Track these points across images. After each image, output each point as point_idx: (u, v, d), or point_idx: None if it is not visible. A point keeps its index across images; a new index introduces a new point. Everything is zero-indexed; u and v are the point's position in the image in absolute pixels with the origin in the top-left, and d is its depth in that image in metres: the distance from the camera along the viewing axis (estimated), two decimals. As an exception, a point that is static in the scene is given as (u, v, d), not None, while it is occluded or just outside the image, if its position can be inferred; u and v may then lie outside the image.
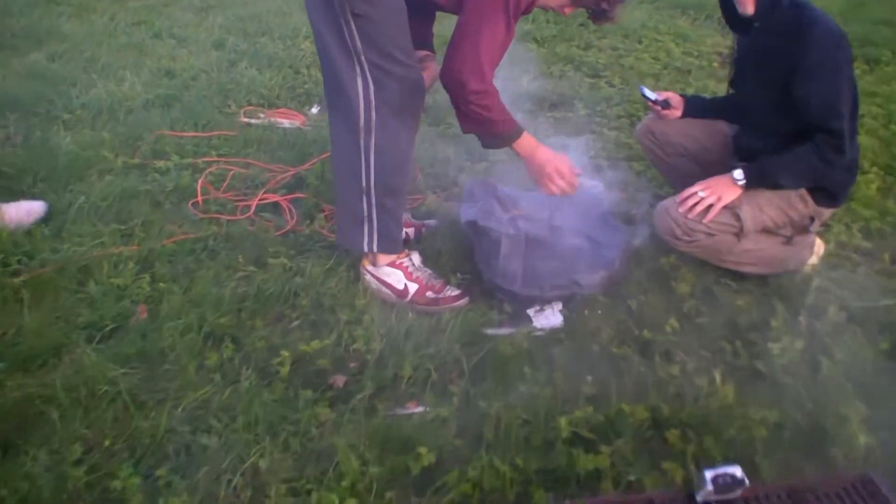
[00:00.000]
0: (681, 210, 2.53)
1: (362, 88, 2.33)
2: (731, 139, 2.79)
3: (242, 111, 4.25)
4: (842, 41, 2.37)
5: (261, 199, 3.28)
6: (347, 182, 2.50)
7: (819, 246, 2.76)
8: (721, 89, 4.48)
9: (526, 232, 2.71)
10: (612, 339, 2.45)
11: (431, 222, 3.07)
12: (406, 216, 2.99)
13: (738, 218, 2.54)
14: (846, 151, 2.39)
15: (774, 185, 2.51)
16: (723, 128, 2.85)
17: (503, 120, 2.40)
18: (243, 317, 2.52)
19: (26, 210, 3.05)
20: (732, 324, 2.53)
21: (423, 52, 2.60)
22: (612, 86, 4.69)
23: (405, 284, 2.62)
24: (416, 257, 2.68)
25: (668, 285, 2.71)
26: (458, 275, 2.77)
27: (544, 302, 2.60)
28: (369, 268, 2.65)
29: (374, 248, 2.58)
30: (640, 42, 5.43)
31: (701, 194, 2.53)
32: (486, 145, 2.53)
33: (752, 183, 2.51)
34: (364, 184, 2.47)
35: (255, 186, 3.41)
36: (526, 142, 2.49)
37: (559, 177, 2.53)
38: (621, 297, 2.64)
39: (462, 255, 2.85)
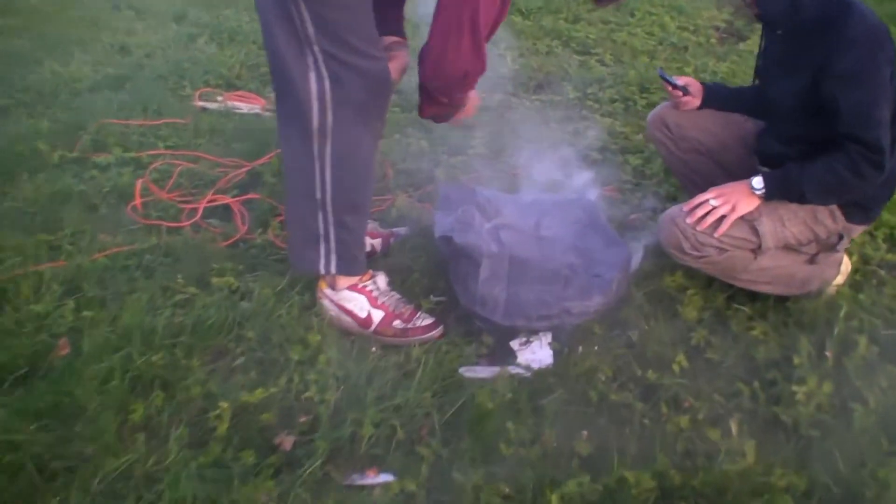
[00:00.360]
0: (689, 221, 2.17)
1: (315, 85, 1.95)
2: (756, 142, 2.42)
3: (198, 94, 3.85)
4: (881, 36, 2.01)
5: (209, 202, 2.89)
6: (300, 195, 2.12)
7: (846, 265, 2.41)
8: (722, 69, 4.11)
9: (510, 248, 2.35)
10: (611, 382, 2.10)
11: (401, 230, 2.70)
12: (371, 225, 2.62)
13: (756, 233, 2.18)
14: (884, 166, 2.03)
15: (798, 199, 2.15)
16: (746, 124, 2.48)
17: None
18: (178, 354, 2.14)
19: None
20: (748, 359, 2.18)
21: (392, 39, 2.20)
22: (603, 64, 4.30)
23: (368, 312, 2.25)
24: (381, 279, 2.31)
25: (673, 309, 2.35)
26: (432, 297, 2.40)
27: (531, 333, 2.24)
28: (327, 292, 2.28)
29: (332, 270, 2.21)
30: (632, 15, 5.03)
31: (713, 203, 2.17)
32: (436, 119, 2.28)
33: (773, 194, 2.15)
34: (319, 197, 2.09)
35: (205, 185, 3.02)
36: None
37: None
38: (620, 326, 2.29)
39: (437, 271, 2.48)
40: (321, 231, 2.15)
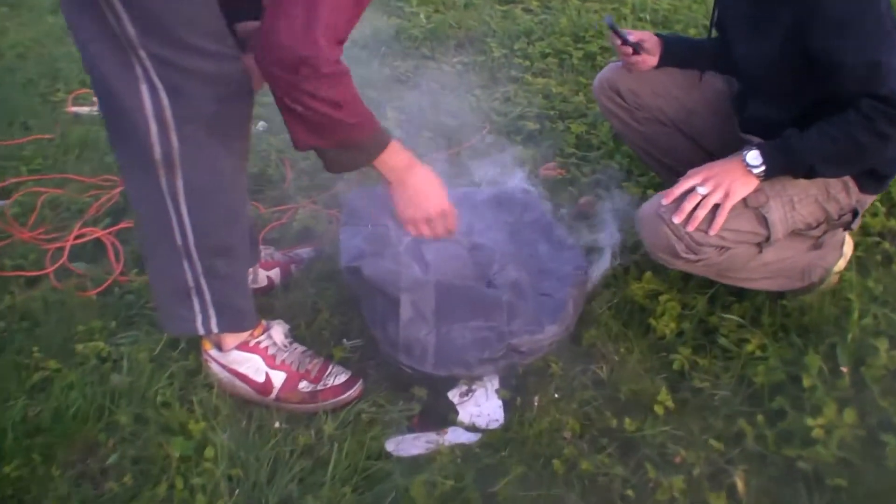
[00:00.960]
0: (676, 219, 1.69)
1: (149, 100, 1.42)
2: (733, 104, 1.95)
3: (71, 97, 3.24)
4: None
5: (76, 238, 2.33)
6: (157, 242, 1.61)
7: (848, 245, 1.97)
8: (663, 5, 3.62)
9: (436, 269, 1.87)
10: (579, 441, 1.64)
11: (304, 253, 2.20)
12: (266, 251, 2.11)
13: (764, 223, 1.71)
14: None
15: (806, 173, 1.68)
16: (716, 83, 2.02)
17: (360, 122, 1.53)
18: (35, 460, 1.63)
19: None
20: (746, 384, 1.75)
21: (255, 24, 1.64)
22: (530, 12, 3.78)
23: (266, 374, 1.76)
24: (278, 331, 1.81)
25: (645, 324, 1.90)
26: (346, 342, 1.92)
27: (472, 379, 1.77)
28: (213, 353, 1.78)
29: (213, 329, 1.70)
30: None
31: (701, 190, 1.68)
32: (331, 166, 1.63)
33: (774, 170, 1.68)
34: (180, 242, 1.58)
35: (73, 215, 2.46)
36: (395, 157, 1.66)
37: (438, 215, 1.74)
38: (583, 359, 1.83)
39: (351, 304, 1.98)
40: (190, 283, 1.63)
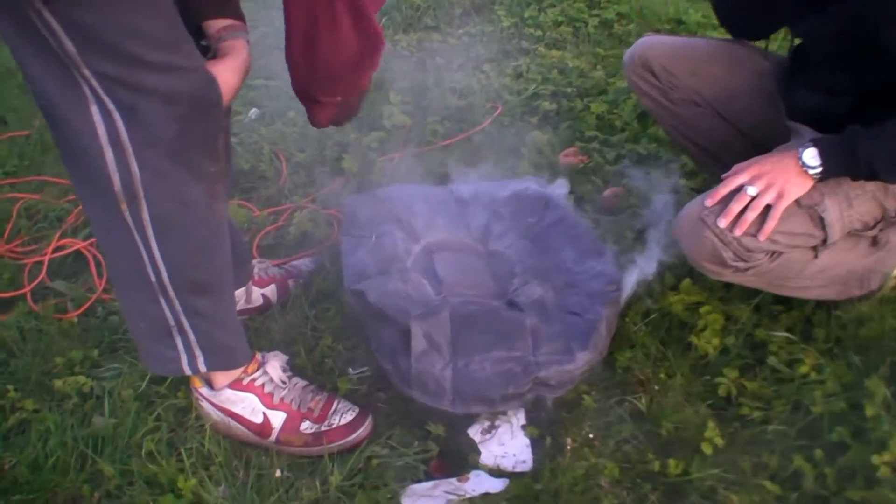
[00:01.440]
0: (721, 224, 1.49)
1: (102, 122, 1.20)
2: (780, 88, 1.72)
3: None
4: None
5: (54, 252, 2.14)
6: (128, 280, 1.42)
7: (906, 245, 1.76)
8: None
9: (448, 287, 1.69)
10: (620, 488, 1.46)
11: (303, 265, 2.00)
12: (259, 267, 1.91)
13: (821, 224, 1.51)
14: None
15: (867, 175, 1.47)
16: (761, 62, 1.79)
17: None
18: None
19: None
20: (801, 412, 1.56)
21: (221, 24, 1.41)
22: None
23: (264, 415, 1.58)
24: (274, 366, 1.62)
25: (684, 342, 1.71)
26: (351, 371, 1.73)
27: (495, 414, 1.59)
28: (203, 392, 1.60)
29: (201, 368, 1.51)
30: None
31: (750, 191, 1.48)
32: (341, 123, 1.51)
33: (833, 171, 1.47)
34: (154, 279, 1.37)
35: (51, 223, 2.26)
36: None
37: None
38: (618, 386, 1.64)
39: (358, 326, 1.79)
40: (170, 322, 1.44)
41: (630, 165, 2.20)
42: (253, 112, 2.64)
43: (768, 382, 1.62)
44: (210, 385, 1.59)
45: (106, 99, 1.18)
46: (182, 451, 1.56)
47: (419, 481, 1.50)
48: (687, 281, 1.78)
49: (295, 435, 1.57)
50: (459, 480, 1.49)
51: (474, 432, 1.57)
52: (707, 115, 1.85)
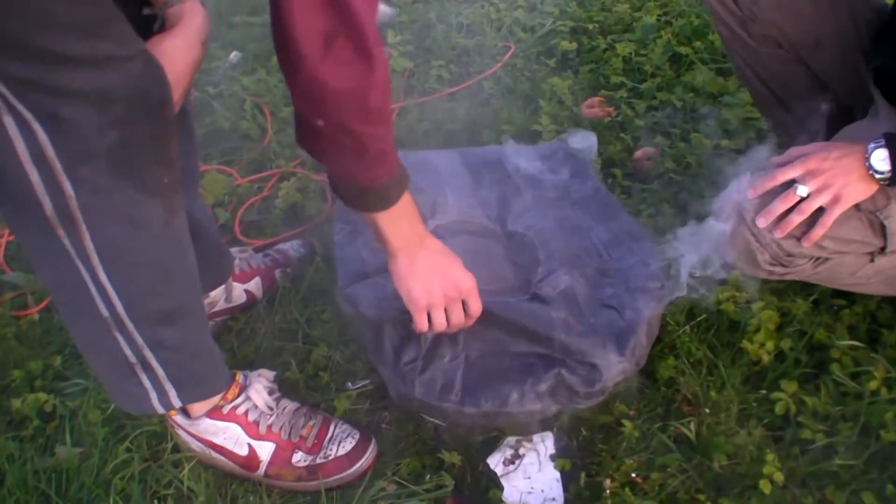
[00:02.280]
0: (760, 223, 1.25)
1: (20, 138, 0.94)
2: (872, 44, 1.44)
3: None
4: None
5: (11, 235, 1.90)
6: (76, 314, 1.18)
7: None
8: None
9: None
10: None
11: (291, 248, 1.75)
12: (242, 257, 1.67)
13: (881, 231, 1.27)
14: None
15: None
16: (862, 8, 1.49)
17: (384, 149, 1.08)
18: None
19: None
20: (869, 434, 1.34)
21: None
22: None
23: (249, 446, 1.36)
24: (258, 389, 1.39)
25: (734, 346, 1.48)
26: (350, 385, 1.50)
27: (519, 443, 1.37)
28: (178, 420, 1.38)
29: (175, 403, 1.28)
30: None
31: (801, 190, 1.23)
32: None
33: None
34: (106, 313, 1.13)
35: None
36: (402, 217, 1.22)
37: (451, 301, 1.27)
38: (661, 406, 1.41)
39: (358, 328, 1.56)
40: (131, 359, 1.20)
41: (662, 116, 1.93)
42: (233, 55, 2.34)
43: (831, 398, 1.39)
44: (186, 414, 1.37)
45: (20, 107, 0.92)
46: (159, 488, 1.35)
47: (431, 526, 1.29)
48: (737, 272, 1.53)
49: (286, 468, 1.36)
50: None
51: (495, 463, 1.36)
52: (787, 59, 1.54)
